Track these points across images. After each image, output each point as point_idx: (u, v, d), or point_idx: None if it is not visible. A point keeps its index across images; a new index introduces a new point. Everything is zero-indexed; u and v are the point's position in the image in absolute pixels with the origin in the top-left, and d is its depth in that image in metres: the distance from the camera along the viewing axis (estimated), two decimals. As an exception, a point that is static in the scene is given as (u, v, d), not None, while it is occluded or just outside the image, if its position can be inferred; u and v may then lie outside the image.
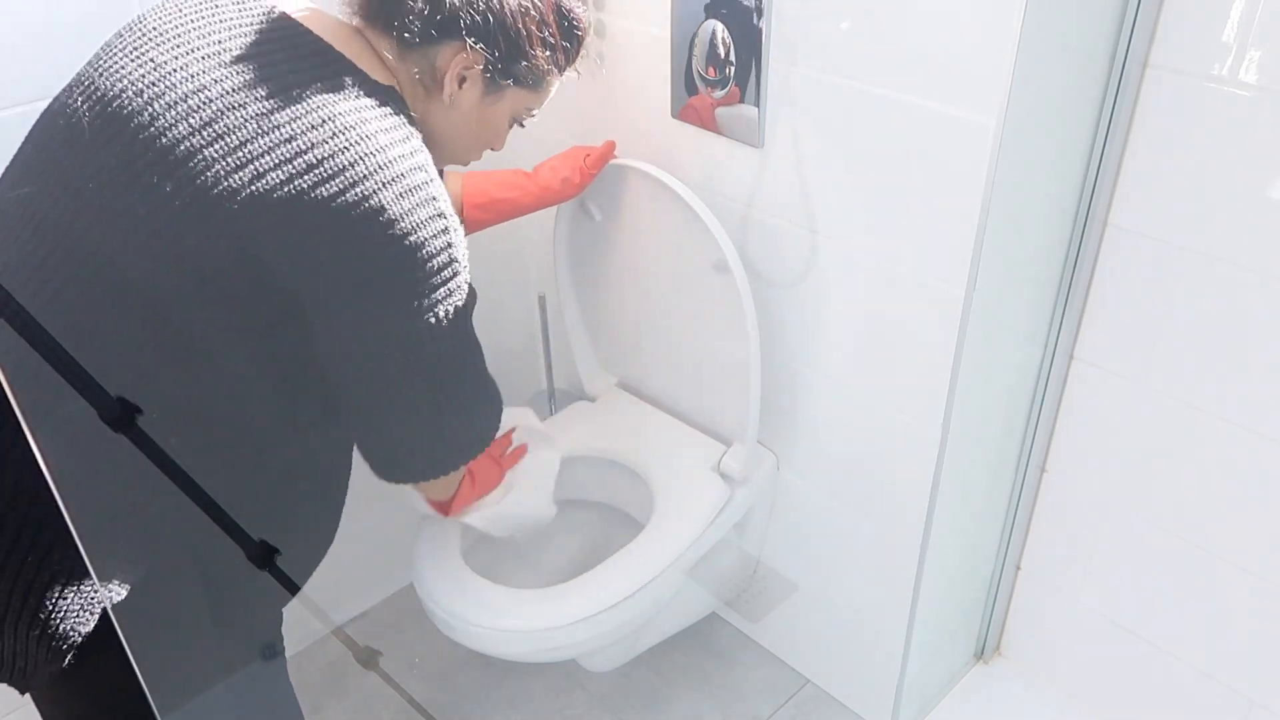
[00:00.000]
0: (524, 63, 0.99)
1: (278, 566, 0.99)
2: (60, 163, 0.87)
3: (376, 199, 0.84)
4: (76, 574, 0.88)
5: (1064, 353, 1.34)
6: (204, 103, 0.84)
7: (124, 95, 0.85)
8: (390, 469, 1.00)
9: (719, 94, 1.28)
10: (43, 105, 0.94)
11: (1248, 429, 1.21)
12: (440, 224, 0.88)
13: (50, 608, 0.87)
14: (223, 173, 0.81)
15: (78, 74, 0.91)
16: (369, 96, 0.89)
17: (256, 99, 0.84)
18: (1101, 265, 1.26)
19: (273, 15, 0.91)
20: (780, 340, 1.38)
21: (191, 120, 0.83)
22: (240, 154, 0.82)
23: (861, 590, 1.49)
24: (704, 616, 1.73)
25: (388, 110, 0.89)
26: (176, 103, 0.84)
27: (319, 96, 0.85)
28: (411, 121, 0.92)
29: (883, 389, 1.30)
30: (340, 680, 1.70)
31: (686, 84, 1.31)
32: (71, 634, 0.89)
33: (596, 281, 1.53)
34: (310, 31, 0.91)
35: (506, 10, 0.95)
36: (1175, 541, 1.34)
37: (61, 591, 0.88)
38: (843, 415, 1.37)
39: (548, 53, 1.01)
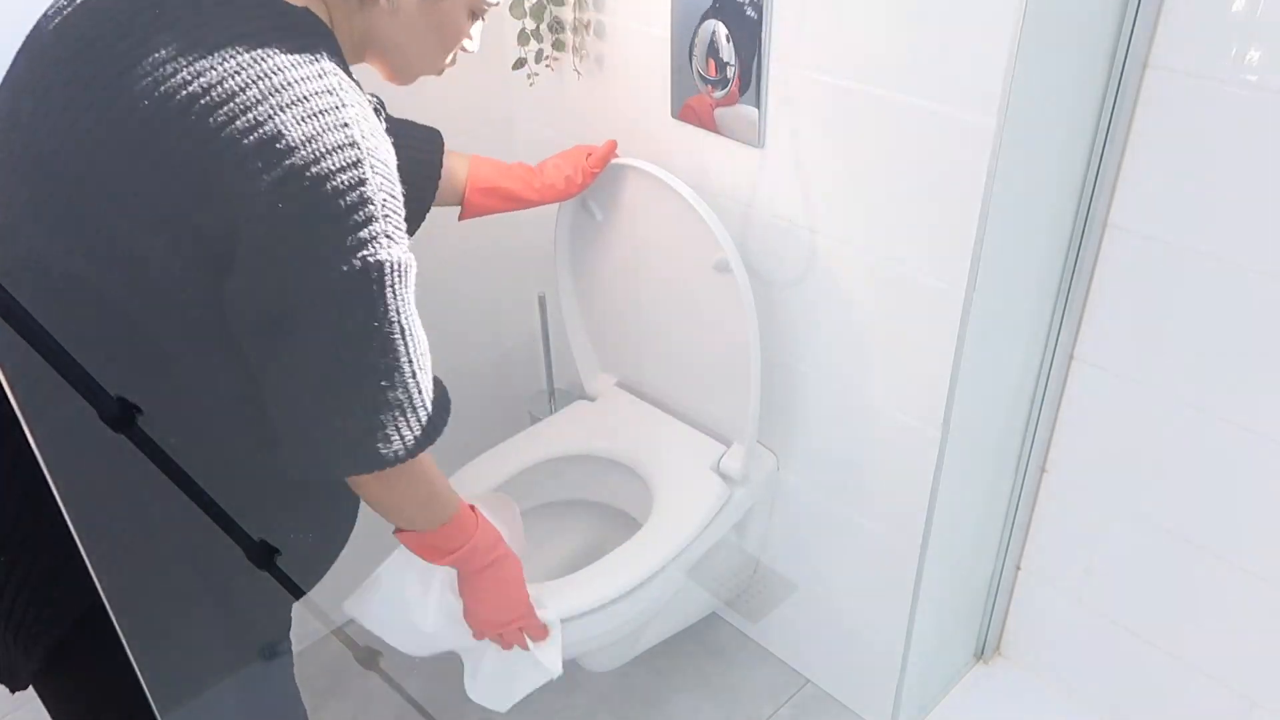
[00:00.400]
0: None
1: (278, 566, 0.99)
2: (24, 72, 0.83)
3: (271, 124, 0.73)
4: (48, 574, 0.87)
5: (1064, 353, 1.34)
6: (129, 49, 0.76)
7: (68, 39, 0.80)
8: (290, 460, 0.84)
9: (719, 94, 1.28)
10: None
11: (1248, 429, 1.21)
12: (351, 154, 0.75)
13: (21, 609, 0.85)
14: (154, 117, 0.74)
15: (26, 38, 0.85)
16: (275, 18, 0.79)
17: (174, 36, 0.76)
18: (1101, 265, 1.26)
19: None
20: (780, 340, 1.38)
21: (119, 63, 0.76)
22: (161, 91, 0.74)
23: (861, 590, 1.49)
24: (704, 616, 1.73)
25: (296, 32, 0.79)
26: (108, 46, 0.78)
27: (227, 28, 0.76)
28: (325, 43, 0.81)
29: (882, 389, 1.30)
30: (340, 680, 1.70)
31: (686, 84, 1.31)
32: (45, 636, 0.88)
33: (597, 280, 1.54)
34: None
35: None
36: (1175, 541, 1.34)
37: (32, 592, 0.86)
38: (843, 415, 1.37)
39: None
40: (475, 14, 0.96)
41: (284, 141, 0.73)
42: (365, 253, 0.76)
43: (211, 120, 0.73)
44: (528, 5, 1.42)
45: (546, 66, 1.50)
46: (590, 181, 1.37)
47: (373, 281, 0.77)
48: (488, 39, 1.57)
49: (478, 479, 1.47)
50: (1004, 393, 1.34)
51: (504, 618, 1.10)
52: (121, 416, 0.79)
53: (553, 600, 1.21)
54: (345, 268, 0.75)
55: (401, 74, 0.96)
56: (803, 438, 1.45)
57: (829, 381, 1.36)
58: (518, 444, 1.54)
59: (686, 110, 1.34)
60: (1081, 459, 1.40)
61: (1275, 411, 1.19)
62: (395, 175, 0.80)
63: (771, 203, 1.29)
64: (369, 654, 1.70)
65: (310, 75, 0.76)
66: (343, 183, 0.74)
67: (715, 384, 1.45)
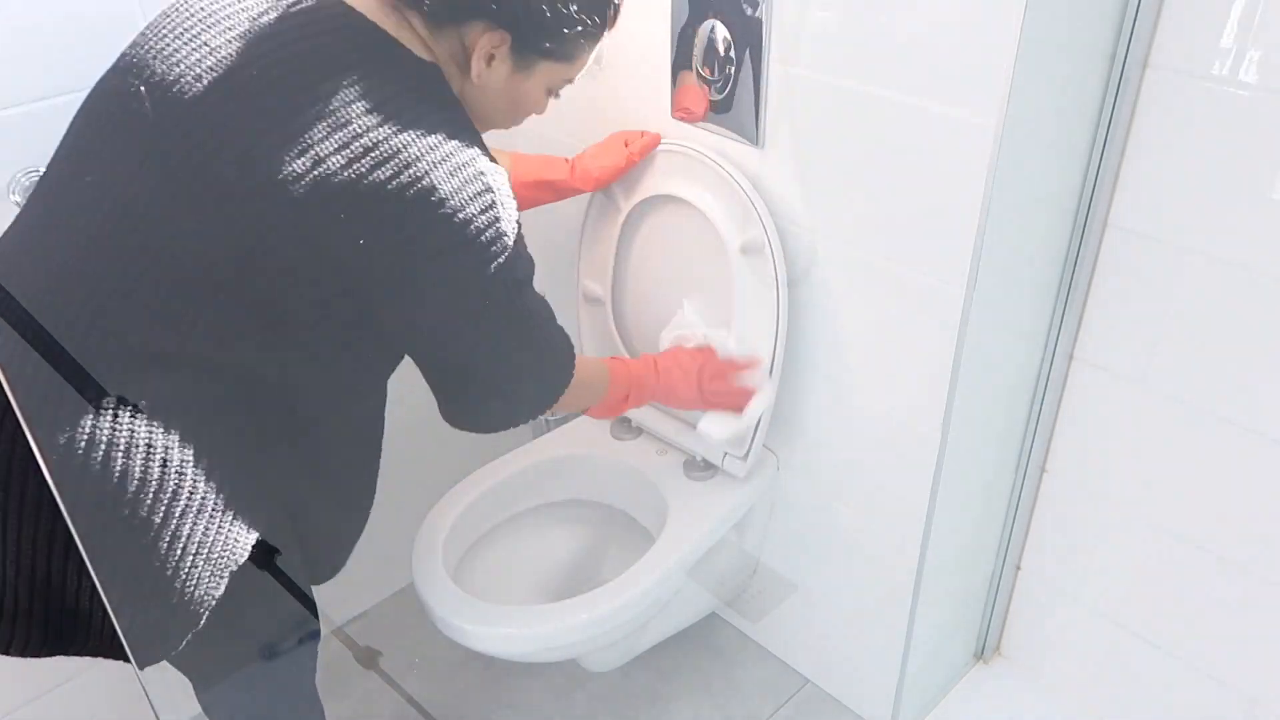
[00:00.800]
0: (551, 39, 0.98)
1: (278, 566, 0.99)
2: (124, 148, 0.89)
3: (428, 180, 0.87)
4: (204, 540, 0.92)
5: (1064, 353, 1.34)
6: (263, 89, 0.86)
7: (183, 80, 0.87)
8: (466, 423, 1.08)
9: (718, 94, 1.28)
10: (42, 105, 0.94)
11: (1248, 429, 1.21)
12: (488, 199, 0.91)
13: (184, 574, 0.90)
14: (285, 159, 0.84)
15: (125, 55, 0.92)
16: (415, 77, 0.92)
17: (311, 83, 0.86)
18: (1101, 265, 1.26)
19: None
20: (777, 343, 1.37)
21: (251, 106, 0.86)
22: (300, 141, 0.84)
23: (861, 590, 1.49)
24: (704, 616, 1.74)
25: (432, 90, 0.93)
26: (236, 90, 0.86)
27: (370, 80, 0.88)
28: (452, 97, 0.97)
29: (883, 389, 1.30)
30: (340, 680, 1.70)
31: (686, 84, 1.31)
32: (207, 598, 0.91)
33: (619, 274, 1.51)
34: (355, 10, 0.92)
35: None
36: (1175, 541, 1.34)
37: (194, 557, 0.90)
38: (843, 415, 1.37)
39: (577, 27, 0.99)
40: (552, 91, 1.08)
41: (436, 195, 0.88)
42: (507, 272, 0.95)
43: (379, 175, 0.86)
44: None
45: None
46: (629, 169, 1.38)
47: (516, 289, 0.98)
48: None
49: (479, 480, 1.48)
50: (1004, 393, 1.34)
51: (698, 395, 1.31)
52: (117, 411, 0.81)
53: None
54: (493, 287, 0.95)
55: (480, 128, 1.04)
56: (803, 438, 1.45)
57: (829, 381, 1.36)
58: (528, 449, 1.55)
59: (686, 110, 1.34)
60: (1081, 459, 1.40)
61: (1276, 412, 1.19)
62: (513, 202, 0.96)
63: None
64: (369, 654, 1.71)
65: (452, 133, 0.91)
66: (483, 223, 0.91)
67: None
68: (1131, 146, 1.18)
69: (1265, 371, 1.17)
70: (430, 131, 0.88)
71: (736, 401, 1.32)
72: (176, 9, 0.93)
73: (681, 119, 1.35)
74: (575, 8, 0.97)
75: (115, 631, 0.91)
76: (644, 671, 1.69)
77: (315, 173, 0.84)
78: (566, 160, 1.39)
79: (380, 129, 0.86)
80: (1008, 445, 1.41)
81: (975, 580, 1.55)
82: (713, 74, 1.27)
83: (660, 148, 1.35)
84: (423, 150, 0.87)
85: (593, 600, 1.29)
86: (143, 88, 0.88)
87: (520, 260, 0.97)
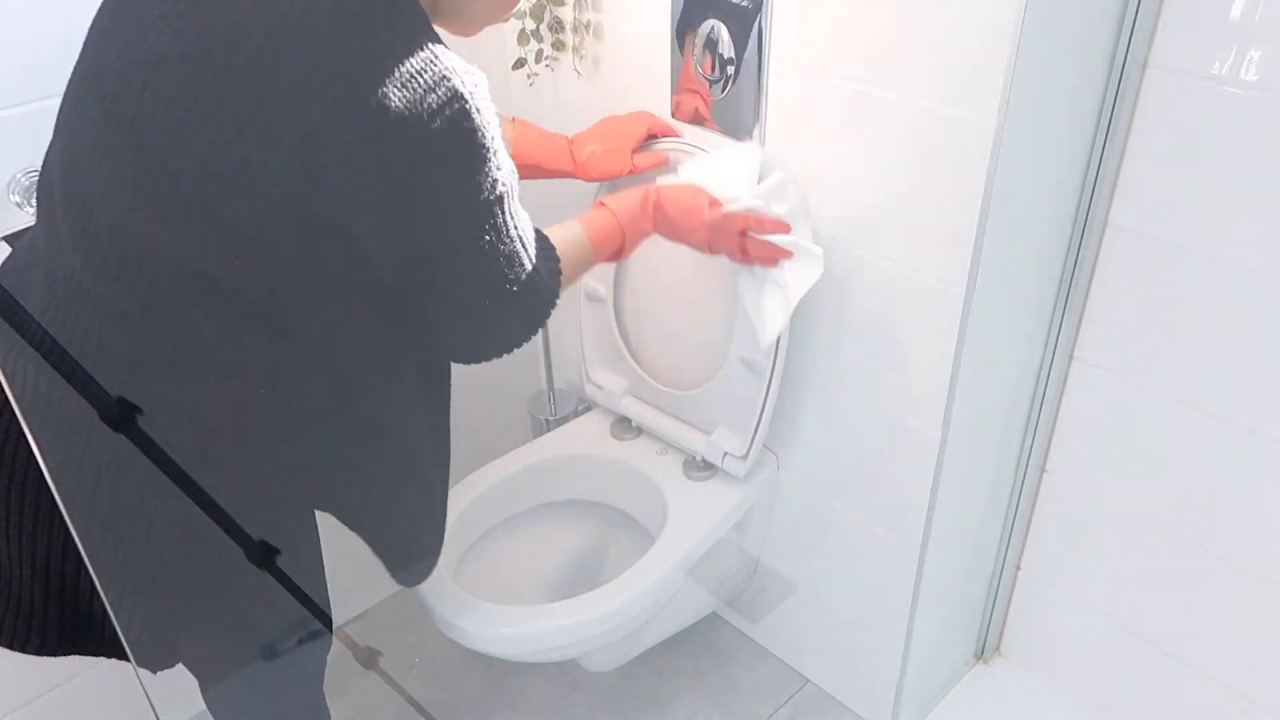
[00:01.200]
0: None
1: (278, 566, 0.99)
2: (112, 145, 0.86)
3: (397, 97, 0.81)
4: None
5: (1064, 353, 1.34)
6: (243, 36, 0.81)
7: (159, 57, 0.83)
8: (473, 350, 1.00)
9: (719, 93, 1.28)
10: (42, 105, 0.94)
11: (1248, 429, 1.21)
12: (460, 105, 0.84)
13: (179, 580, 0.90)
14: (272, 101, 0.80)
15: (92, 51, 0.89)
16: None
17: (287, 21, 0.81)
18: (1101, 265, 1.26)
19: None
20: (779, 340, 1.37)
21: (233, 58, 0.81)
22: (279, 72, 0.80)
23: (861, 590, 1.49)
24: (704, 616, 1.74)
25: (397, 13, 0.86)
26: (214, 45, 0.82)
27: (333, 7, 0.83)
28: (421, 20, 0.89)
29: (883, 389, 1.30)
30: (340, 680, 1.70)
31: (686, 83, 1.31)
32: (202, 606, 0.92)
33: (621, 273, 1.51)
34: None
35: None
36: (1175, 541, 1.34)
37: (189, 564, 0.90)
38: (843, 415, 1.37)
39: None
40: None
41: (410, 110, 0.81)
42: (495, 179, 0.89)
43: (334, 96, 0.79)
44: (527, 5, 1.42)
45: (546, 67, 1.50)
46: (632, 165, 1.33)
47: (502, 197, 0.90)
48: (488, 39, 1.57)
49: (479, 480, 1.48)
50: (1004, 393, 1.34)
51: (702, 227, 1.18)
52: (120, 416, 0.81)
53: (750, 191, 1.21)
54: (483, 195, 0.88)
55: (471, 27, 0.99)
56: (803, 438, 1.45)
57: (829, 381, 1.36)
58: (527, 449, 1.54)
59: (686, 110, 1.34)
60: (1081, 459, 1.40)
61: (1276, 412, 1.19)
62: (494, 116, 0.90)
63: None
64: (369, 654, 1.71)
65: (414, 48, 0.83)
66: (460, 131, 0.84)
67: (727, 381, 1.44)
68: (1131, 147, 1.18)
69: (1265, 371, 1.17)
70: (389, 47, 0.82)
71: (764, 254, 1.21)
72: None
73: (682, 119, 1.35)
74: None
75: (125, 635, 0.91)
76: (644, 671, 1.69)
77: (302, 92, 0.79)
78: (567, 142, 1.33)
79: (334, 52, 0.81)
80: (1008, 445, 1.41)
81: (975, 580, 1.55)
82: (713, 74, 1.27)
83: (664, 146, 1.35)
84: (381, 72, 0.81)
85: (593, 600, 1.29)
86: (115, 78, 0.85)
87: (501, 171, 0.90)
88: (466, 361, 1.01)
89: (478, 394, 1.82)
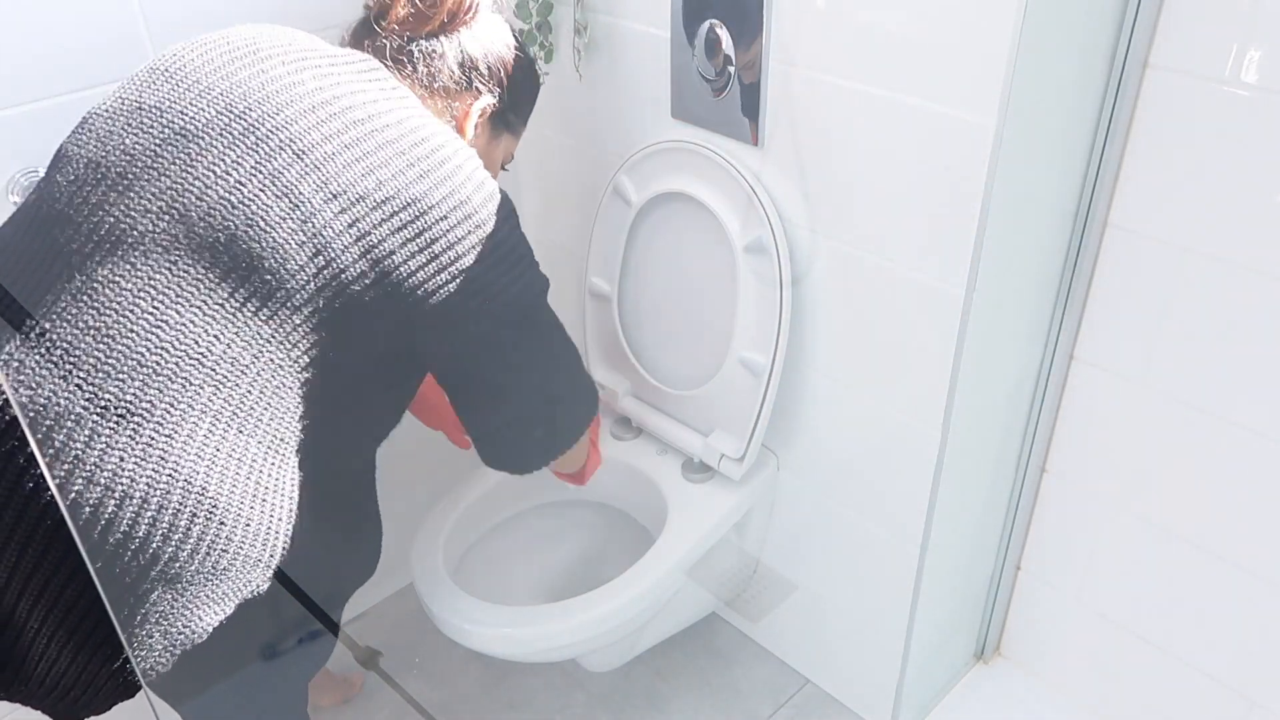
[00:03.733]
0: (518, 110, 1.12)
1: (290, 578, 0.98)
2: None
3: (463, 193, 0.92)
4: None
5: (1064, 353, 1.34)
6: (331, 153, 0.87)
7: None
8: (510, 460, 1.06)
9: (719, 93, 1.28)
10: (42, 105, 0.94)
11: (1248, 429, 1.21)
12: (510, 212, 0.95)
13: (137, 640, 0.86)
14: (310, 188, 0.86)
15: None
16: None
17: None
18: (1101, 265, 1.26)
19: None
20: (779, 343, 1.37)
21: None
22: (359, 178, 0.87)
23: (861, 590, 1.49)
24: (704, 616, 1.74)
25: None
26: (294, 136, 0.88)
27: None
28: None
29: (883, 389, 1.30)
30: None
31: (686, 83, 1.31)
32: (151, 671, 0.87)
33: (625, 271, 1.51)
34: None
35: (506, 60, 1.07)
36: (1175, 541, 1.34)
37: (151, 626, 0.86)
38: (843, 415, 1.37)
39: (531, 100, 1.14)
40: (505, 164, 1.17)
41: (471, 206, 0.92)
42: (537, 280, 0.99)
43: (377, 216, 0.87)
44: (533, 6, 1.42)
45: (546, 72, 1.50)
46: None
47: (542, 296, 1.00)
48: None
49: (479, 480, 1.48)
50: (1004, 393, 1.34)
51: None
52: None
53: None
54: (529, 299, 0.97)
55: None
56: (803, 438, 1.45)
57: (829, 381, 1.36)
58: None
59: (686, 109, 1.34)
60: (1081, 459, 1.40)
61: (1275, 411, 1.19)
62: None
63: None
64: (369, 654, 1.71)
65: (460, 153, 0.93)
66: (512, 235, 0.95)
67: (728, 381, 1.44)
68: (1131, 146, 1.18)
69: (1265, 371, 1.17)
70: (471, 161, 0.93)
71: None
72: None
73: (681, 119, 1.35)
74: (537, 82, 1.15)
75: (45, 684, 0.87)
76: (644, 671, 1.69)
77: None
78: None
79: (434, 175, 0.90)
80: (1008, 445, 1.41)
81: (975, 580, 1.55)
82: (713, 74, 1.27)
83: (669, 145, 1.35)
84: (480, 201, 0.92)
85: (593, 600, 1.29)
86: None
87: (540, 277, 0.99)
88: (505, 467, 1.08)
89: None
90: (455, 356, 0.96)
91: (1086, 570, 1.46)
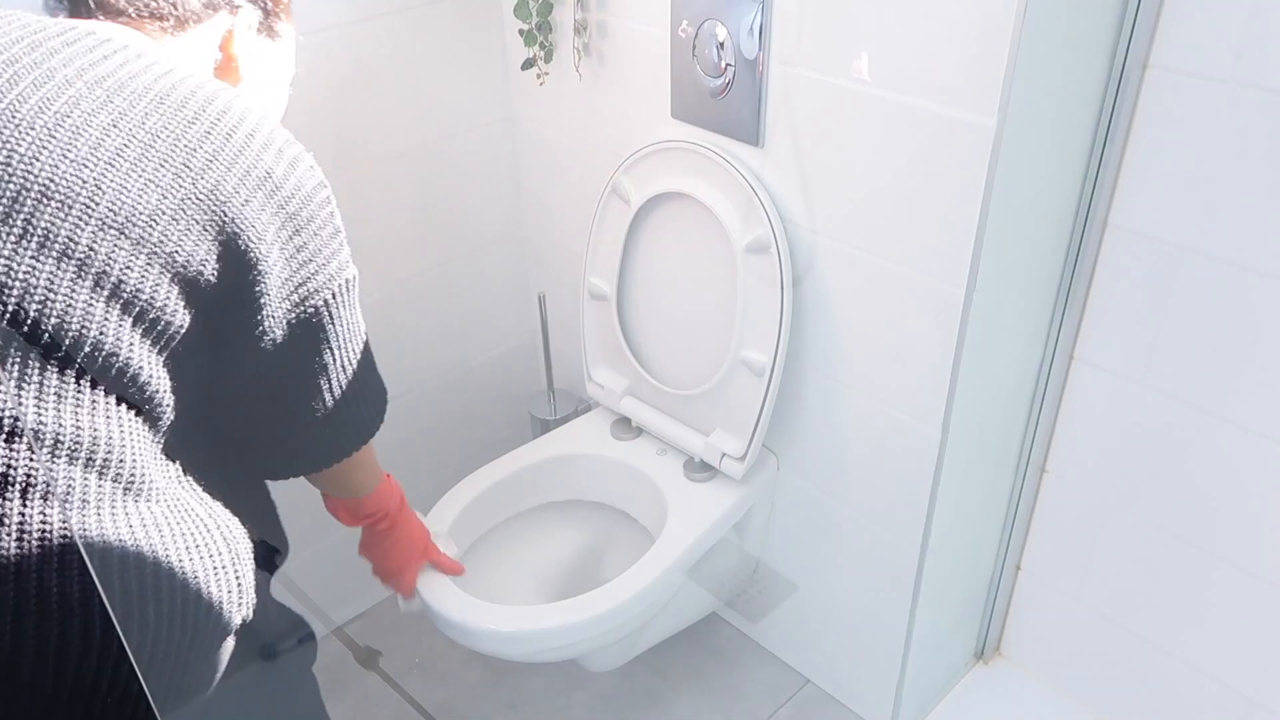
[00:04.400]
0: (282, 7, 0.93)
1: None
2: None
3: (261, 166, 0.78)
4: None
5: (1064, 353, 1.34)
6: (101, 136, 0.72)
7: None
8: (298, 462, 0.95)
9: (719, 94, 1.28)
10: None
11: (1248, 429, 1.21)
12: (325, 191, 0.82)
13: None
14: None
15: None
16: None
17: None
18: (1101, 265, 1.26)
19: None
20: (780, 343, 1.37)
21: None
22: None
23: (861, 590, 1.49)
24: (704, 616, 1.74)
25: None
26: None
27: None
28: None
29: (883, 389, 1.30)
30: (340, 680, 1.70)
31: (686, 83, 1.31)
32: None
33: (625, 271, 1.50)
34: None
35: None
36: (1175, 541, 1.34)
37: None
38: (843, 415, 1.37)
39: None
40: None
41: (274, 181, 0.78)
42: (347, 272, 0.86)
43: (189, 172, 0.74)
44: (533, 6, 1.42)
45: (545, 74, 1.50)
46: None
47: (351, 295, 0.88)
48: (486, 38, 1.58)
49: (479, 480, 1.48)
50: (1004, 393, 1.34)
51: (402, 567, 1.25)
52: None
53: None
54: (338, 286, 0.85)
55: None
56: (803, 438, 1.45)
57: (829, 381, 1.36)
58: (527, 449, 1.54)
59: (686, 109, 1.34)
60: (1081, 459, 1.40)
61: (1275, 411, 1.19)
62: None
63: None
64: (369, 654, 1.71)
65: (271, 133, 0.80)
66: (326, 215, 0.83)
67: (729, 380, 1.44)
68: (1131, 146, 1.18)
69: (1265, 371, 1.17)
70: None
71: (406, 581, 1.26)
72: None
73: (681, 119, 1.35)
74: None
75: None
76: (644, 671, 1.69)
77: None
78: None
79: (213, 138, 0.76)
80: (1008, 445, 1.41)
81: (975, 580, 1.55)
82: (712, 74, 1.27)
83: (669, 144, 1.35)
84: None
85: (593, 600, 1.29)
86: None
87: (349, 264, 0.86)
88: (289, 472, 0.98)
89: (478, 394, 1.82)
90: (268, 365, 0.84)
91: (1086, 570, 1.46)
